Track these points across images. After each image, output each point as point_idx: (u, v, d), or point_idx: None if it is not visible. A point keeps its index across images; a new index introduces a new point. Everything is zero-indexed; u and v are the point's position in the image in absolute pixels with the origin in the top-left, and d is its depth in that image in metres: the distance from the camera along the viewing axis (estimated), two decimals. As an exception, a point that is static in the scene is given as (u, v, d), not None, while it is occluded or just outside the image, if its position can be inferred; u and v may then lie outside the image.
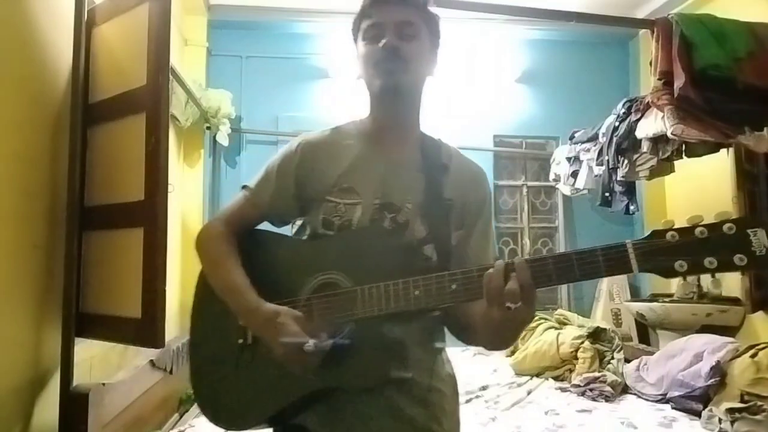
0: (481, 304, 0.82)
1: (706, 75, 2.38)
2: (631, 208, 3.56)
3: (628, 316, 3.97)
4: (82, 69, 1.87)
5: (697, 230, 0.74)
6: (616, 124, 3.20)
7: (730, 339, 2.80)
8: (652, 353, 3.12)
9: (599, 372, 2.98)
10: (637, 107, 3.01)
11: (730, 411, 2.26)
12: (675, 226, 0.76)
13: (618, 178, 3.33)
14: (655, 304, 3.55)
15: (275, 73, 4.20)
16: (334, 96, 4.18)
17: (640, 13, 4.10)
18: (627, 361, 3.14)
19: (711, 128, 2.46)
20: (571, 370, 3.13)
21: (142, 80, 1.78)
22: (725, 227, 0.73)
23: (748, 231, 0.72)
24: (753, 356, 2.44)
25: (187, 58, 3.87)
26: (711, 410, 2.36)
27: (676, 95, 2.41)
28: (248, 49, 4.20)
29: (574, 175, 3.89)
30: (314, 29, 4.25)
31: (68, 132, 1.84)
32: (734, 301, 3.31)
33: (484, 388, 2.99)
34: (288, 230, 1.14)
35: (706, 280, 2.64)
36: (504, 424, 2.48)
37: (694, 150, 2.81)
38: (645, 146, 2.91)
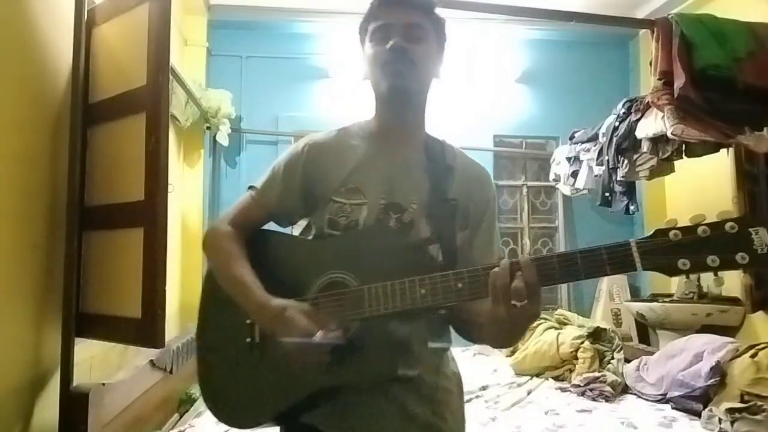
0: (487, 302, 0.83)
1: (706, 75, 2.38)
2: (631, 208, 3.56)
3: (628, 316, 3.97)
4: (82, 69, 1.87)
5: (700, 229, 0.75)
6: (616, 124, 3.20)
7: (730, 339, 2.80)
8: (652, 353, 3.12)
9: (599, 372, 2.98)
10: (637, 107, 3.01)
11: (730, 411, 2.26)
12: (678, 225, 0.76)
13: (618, 178, 3.33)
14: (655, 304, 3.55)
15: (275, 73, 4.20)
16: (334, 96, 4.18)
17: (640, 13, 4.10)
18: (627, 361, 3.14)
19: (711, 128, 2.46)
20: (571, 370, 3.13)
21: (142, 80, 1.78)
22: (727, 226, 0.74)
23: (750, 230, 0.73)
24: (753, 356, 2.44)
25: (187, 58, 3.87)
26: (711, 410, 2.37)
27: (676, 95, 2.41)
28: (248, 49, 4.20)
29: (574, 175, 3.89)
30: (314, 29, 4.25)
31: (68, 132, 1.84)
32: (734, 301, 3.31)
33: (484, 388, 2.99)
34: (288, 230, 1.14)
35: (706, 279, 2.64)
36: (504, 424, 2.48)
37: (694, 150, 2.81)
38: (645, 146, 2.91)
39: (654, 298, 3.81)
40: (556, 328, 3.42)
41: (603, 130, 3.39)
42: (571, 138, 3.93)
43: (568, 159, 3.96)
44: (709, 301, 3.38)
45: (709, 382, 2.48)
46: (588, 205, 4.26)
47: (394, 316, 0.89)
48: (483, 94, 4.33)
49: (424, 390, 0.99)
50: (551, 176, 4.27)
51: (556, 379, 3.18)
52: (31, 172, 1.71)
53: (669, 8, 3.63)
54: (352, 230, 0.99)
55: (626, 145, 3.11)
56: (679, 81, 2.37)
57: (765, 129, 2.52)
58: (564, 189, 4.15)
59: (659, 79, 2.52)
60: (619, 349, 3.21)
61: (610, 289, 4.08)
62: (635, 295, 4.19)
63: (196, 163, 3.85)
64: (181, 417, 2.63)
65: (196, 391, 2.83)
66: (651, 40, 2.62)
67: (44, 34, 1.77)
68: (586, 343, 3.17)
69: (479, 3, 2.90)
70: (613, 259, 0.77)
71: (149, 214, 1.72)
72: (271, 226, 1.11)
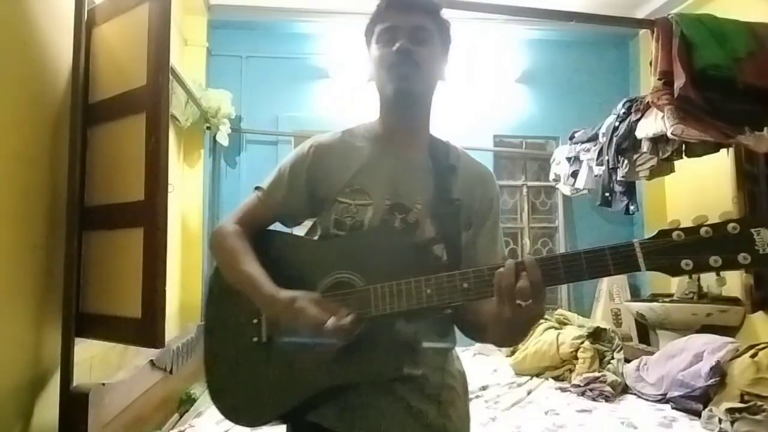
0: (491, 302, 0.84)
1: (706, 75, 2.38)
2: (631, 208, 3.56)
3: (628, 316, 3.97)
4: (82, 69, 1.87)
5: (703, 230, 0.76)
6: (616, 124, 3.20)
7: (730, 339, 2.80)
8: (652, 353, 3.12)
9: (599, 372, 2.98)
10: (637, 107, 3.01)
11: (730, 411, 2.26)
12: (681, 226, 0.77)
13: (618, 178, 3.33)
14: (655, 304, 3.55)
15: (275, 73, 4.20)
16: (334, 96, 4.18)
17: (640, 13, 4.10)
18: (627, 361, 3.14)
19: (711, 128, 2.46)
20: (571, 370, 3.13)
21: (142, 80, 1.78)
22: (729, 227, 0.75)
23: (752, 230, 0.74)
24: (753, 356, 2.44)
25: (187, 58, 3.87)
26: (711, 410, 2.37)
27: (676, 95, 2.41)
28: (248, 49, 4.20)
29: (574, 175, 3.89)
30: (314, 29, 4.25)
31: (68, 132, 1.84)
32: (734, 301, 3.31)
33: (484, 388, 2.99)
34: (288, 231, 1.15)
35: (705, 279, 2.64)
36: (504, 424, 2.48)
37: (694, 150, 2.81)
38: (645, 146, 2.91)
39: (654, 298, 3.81)
40: (556, 328, 3.42)
41: (603, 130, 3.39)
42: (571, 138, 3.93)
43: (568, 159, 3.96)
44: (709, 301, 3.38)
45: (709, 382, 2.48)
46: (588, 205, 4.26)
47: (399, 316, 0.90)
48: (483, 94, 4.33)
49: (429, 389, 1.00)
50: (551, 176, 4.27)
51: (556, 379, 3.18)
52: (31, 172, 1.71)
53: (669, 8, 3.63)
54: (358, 231, 1.00)
55: (626, 145, 3.11)
56: (679, 81, 2.37)
57: (765, 129, 2.53)
58: (564, 189, 4.15)
59: (659, 79, 2.52)
60: (619, 349, 3.21)
61: (610, 289, 4.08)
62: (635, 295, 4.19)
63: (196, 163, 3.85)
64: (181, 417, 2.63)
65: (196, 391, 2.83)
66: (651, 40, 2.62)
67: (44, 34, 1.77)
68: (586, 343, 3.17)
69: (479, 3, 2.91)
70: (617, 260, 0.78)
71: (149, 214, 1.72)
72: (276, 226, 1.12)
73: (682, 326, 3.33)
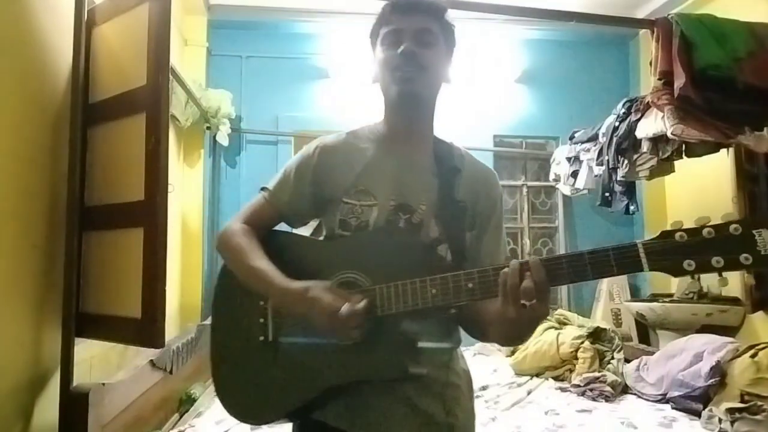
0: (496, 302, 0.85)
1: (706, 75, 2.38)
2: (631, 208, 3.56)
3: (628, 316, 3.97)
4: (82, 69, 1.87)
5: (705, 231, 0.77)
6: (616, 124, 3.20)
7: (730, 339, 2.80)
8: (652, 353, 3.12)
9: (599, 372, 2.98)
10: (637, 107, 3.01)
11: (730, 411, 2.26)
12: (683, 227, 0.79)
13: (618, 178, 3.33)
14: (655, 304, 3.55)
15: (275, 73, 4.20)
16: (334, 96, 4.18)
17: (640, 13, 4.10)
18: (627, 361, 3.14)
19: (711, 128, 2.46)
20: (571, 370, 3.13)
21: (142, 80, 1.78)
22: (731, 228, 0.76)
23: (754, 232, 0.75)
24: (753, 356, 2.44)
25: (187, 58, 3.87)
26: (711, 410, 2.37)
27: (676, 95, 2.41)
28: (248, 49, 4.20)
29: (574, 175, 3.89)
30: (314, 29, 4.25)
31: (68, 132, 1.83)
32: (734, 301, 3.31)
33: (484, 388, 2.99)
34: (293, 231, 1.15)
35: (705, 279, 2.64)
36: (504, 424, 2.48)
37: (694, 150, 2.81)
38: (645, 146, 2.91)
39: (654, 298, 3.81)
40: (556, 328, 3.42)
41: (603, 130, 3.39)
42: (571, 138, 3.93)
43: (568, 159, 3.96)
44: (709, 301, 3.39)
45: (709, 382, 2.48)
46: (588, 205, 4.25)
47: (404, 316, 0.91)
48: (483, 94, 4.33)
49: (435, 387, 1.01)
50: (551, 176, 4.27)
51: (556, 379, 3.18)
52: (32, 172, 1.71)
53: (669, 8, 3.63)
54: (363, 231, 1.01)
55: (626, 145, 3.11)
56: (679, 81, 2.37)
57: (765, 129, 2.52)
58: (564, 189, 4.15)
59: (659, 79, 2.52)
60: (619, 349, 3.21)
61: (610, 289, 4.08)
62: (635, 295, 4.19)
63: (196, 163, 3.85)
64: (181, 417, 2.63)
65: (196, 391, 2.83)
66: (651, 40, 2.62)
67: (44, 34, 1.77)
68: (586, 343, 3.17)
69: (479, 3, 2.91)
70: (621, 260, 0.80)
71: (149, 214, 1.72)
72: (281, 226, 1.14)
73: (682, 326, 3.34)
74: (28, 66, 1.71)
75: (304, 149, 1.12)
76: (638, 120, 2.92)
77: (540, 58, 4.49)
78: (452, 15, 1.10)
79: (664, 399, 2.69)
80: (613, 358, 3.13)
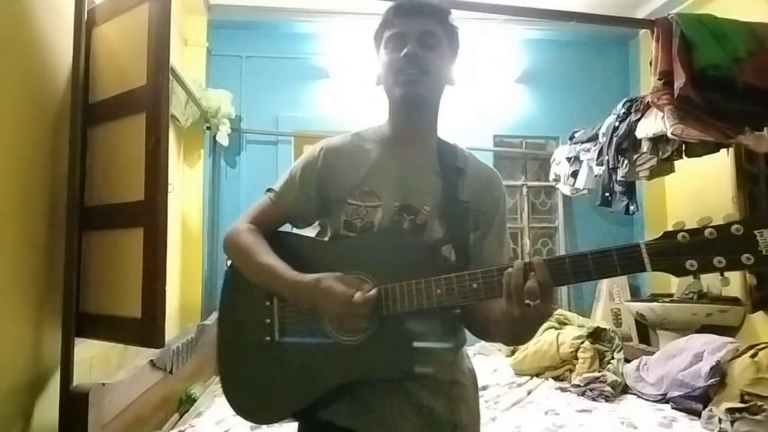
0: (500, 301, 0.86)
1: (706, 75, 2.38)
2: (631, 208, 3.56)
3: (628, 316, 3.97)
4: (82, 69, 1.86)
5: (707, 231, 0.78)
6: (616, 124, 3.20)
7: (730, 339, 2.80)
8: (652, 353, 3.12)
9: (599, 372, 2.98)
10: (637, 107, 3.01)
11: (730, 411, 2.26)
12: (685, 228, 0.80)
13: (618, 178, 3.33)
14: (655, 304, 3.55)
15: (275, 73, 4.20)
16: (334, 96, 4.18)
17: (640, 13, 4.10)
18: (627, 361, 3.14)
19: (711, 128, 2.46)
20: (571, 370, 3.13)
21: (142, 80, 1.78)
22: (733, 228, 0.77)
23: (755, 232, 0.76)
24: (753, 356, 2.44)
25: (187, 58, 3.87)
26: (711, 410, 2.36)
27: (676, 95, 2.41)
28: (248, 49, 4.20)
29: (574, 175, 3.89)
30: (314, 29, 4.25)
31: (68, 132, 1.83)
32: (734, 301, 3.31)
33: (484, 388, 2.99)
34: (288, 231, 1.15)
35: (706, 279, 2.65)
36: (504, 424, 2.48)
37: (694, 150, 2.81)
38: (645, 146, 2.91)
39: (654, 298, 3.81)
40: (556, 328, 3.42)
41: (603, 130, 3.39)
42: (571, 138, 3.93)
43: (568, 159, 3.96)
44: (709, 301, 3.38)
45: (709, 382, 2.48)
46: (588, 205, 4.25)
47: (410, 315, 0.92)
48: (483, 94, 4.33)
49: (440, 386, 1.02)
50: (551, 176, 4.27)
51: (556, 379, 3.17)
52: (31, 171, 1.71)
53: (669, 8, 3.63)
54: (368, 232, 1.03)
55: (626, 145, 3.11)
56: (679, 81, 2.37)
57: (765, 129, 2.52)
58: (564, 189, 4.15)
59: (659, 79, 2.52)
60: (619, 349, 3.21)
61: (610, 289, 4.08)
62: (635, 295, 4.19)
63: (196, 163, 3.85)
64: (181, 417, 2.63)
65: (196, 391, 2.83)
66: (651, 40, 2.62)
67: (44, 34, 1.77)
68: (586, 343, 3.17)
69: (479, 3, 2.91)
70: (624, 260, 0.81)
71: (149, 214, 1.72)
72: (286, 227, 1.15)
73: (682, 326, 3.33)
74: (28, 66, 1.71)
75: (308, 151, 1.14)
76: (638, 120, 2.92)
77: (540, 58, 4.49)
78: (453, 15, 1.11)
79: (664, 399, 2.69)
80: (613, 358, 3.13)
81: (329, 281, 0.93)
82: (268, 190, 1.14)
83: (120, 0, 1.88)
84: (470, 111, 4.23)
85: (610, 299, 4.06)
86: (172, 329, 3.20)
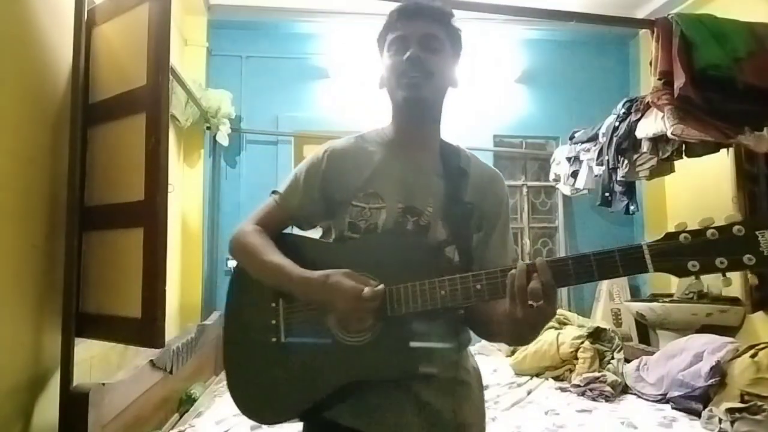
0: (503, 302, 0.87)
1: (706, 75, 2.38)
2: (631, 208, 3.56)
3: (628, 316, 3.97)
4: (82, 69, 1.86)
5: (709, 232, 0.79)
6: (616, 124, 3.20)
7: (730, 339, 2.80)
8: (652, 353, 3.12)
9: (599, 372, 2.98)
10: (637, 107, 3.01)
11: (730, 411, 2.26)
12: (687, 228, 0.80)
13: (618, 178, 3.33)
14: (655, 304, 3.55)
15: (275, 73, 4.20)
16: (334, 96, 4.18)
17: (640, 13, 4.10)
18: (627, 361, 3.14)
19: (711, 128, 2.46)
20: (571, 370, 3.12)
21: (142, 80, 1.78)
22: (735, 229, 0.77)
23: (757, 232, 0.76)
24: (753, 356, 2.44)
25: (187, 58, 3.87)
26: (711, 410, 2.36)
27: (676, 95, 2.41)
28: (248, 49, 4.20)
29: (574, 175, 3.89)
30: (314, 29, 4.25)
31: (68, 132, 1.83)
32: (734, 301, 3.31)
33: (484, 387, 2.99)
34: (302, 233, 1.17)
35: (706, 279, 2.65)
36: (504, 424, 2.48)
37: (694, 150, 2.81)
38: (645, 146, 2.91)
39: (654, 298, 3.81)
40: (556, 328, 3.42)
41: (603, 130, 3.39)
42: (571, 138, 3.93)
43: (568, 159, 3.96)
44: (709, 301, 3.38)
45: (709, 382, 2.48)
46: (588, 205, 4.26)
47: (414, 316, 0.93)
48: (483, 94, 4.32)
49: (445, 385, 1.03)
50: (551, 176, 4.27)
51: (556, 379, 3.17)
52: (31, 171, 1.71)
53: (669, 8, 3.63)
54: (372, 233, 1.04)
55: (626, 145, 3.11)
56: (679, 81, 2.37)
57: (765, 129, 2.52)
58: (564, 189, 4.15)
59: (659, 79, 2.52)
60: (619, 349, 3.21)
61: (610, 289, 4.08)
62: (635, 295, 4.19)
63: (196, 163, 3.85)
64: (181, 417, 2.63)
65: (196, 391, 2.83)
66: (651, 40, 2.62)
67: (44, 34, 1.77)
68: (586, 343, 3.16)
69: (479, 3, 2.91)
70: (626, 261, 0.81)
71: (149, 214, 1.72)
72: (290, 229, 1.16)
73: (682, 326, 3.33)
74: (28, 66, 1.71)
75: (313, 153, 1.15)
76: (638, 120, 2.92)
77: (540, 58, 4.49)
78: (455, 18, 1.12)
79: (664, 399, 2.69)
80: (613, 358, 3.13)
81: (338, 277, 0.94)
82: (273, 192, 1.15)
83: (120, 0, 1.88)
84: (470, 111, 4.23)
85: (610, 299, 4.06)
86: (172, 329, 3.20)
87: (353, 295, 0.91)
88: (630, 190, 3.54)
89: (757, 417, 2.19)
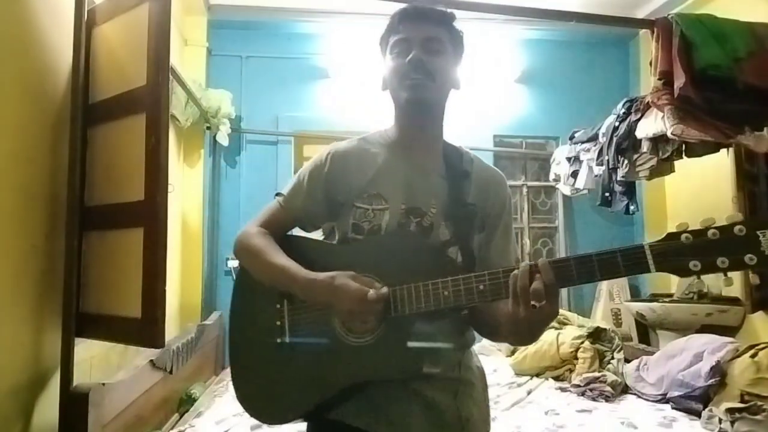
0: (506, 302, 0.88)
1: (706, 75, 2.38)
2: (631, 208, 3.56)
3: (628, 316, 3.97)
4: (82, 69, 1.86)
5: (710, 232, 0.79)
6: (616, 124, 3.20)
7: (730, 339, 2.80)
8: (652, 353, 3.12)
9: (599, 372, 2.98)
10: (637, 107, 3.01)
11: (730, 411, 2.26)
12: (689, 229, 0.80)
13: (618, 178, 3.33)
14: (655, 304, 3.55)
15: (275, 73, 4.20)
16: (334, 96, 4.18)
17: (640, 13, 4.10)
18: (627, 361, 3.14)
19: (711, 128, 2.46)
20: (571, 370, 3.13)
21: (142, 80, 1.78)
22: (736, 229, 0.78)
23: (758, 232, 0.77)
24: (753, 356, 2.44)
25: (187, 58, 3.87)
26: (711, 410, 2.37)
27: (676, 95, 2.40)
28: (248, 49, 4.19)
29: (574, 175, 3.89)
30: (314, 29, 4.25)
31: (68, 132, 1.83)
32: (734, 301, 3.31)
33: (484, 387, 2.99)
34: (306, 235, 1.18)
35: (706, 279, 2.65)
36: (504, 424, 2.48)
37: (694, 150, 2.81)
38: (645, 146, 2.91)
39: (654, 298, 3.81)
40: (556, 328, 3.42)
41: (603, 130, 3.39)
42: (571, 138, 3.93)
43: (568, 159, 3.96)
44: (709, 301, 3.38)
45: (709, 382, 2.48)
46: (588, 205, 4.26)
47: (418, 316, 0.94)
48: (483, 94, 4.32)
49: (449, 384, 1.04)
50: (551, 176, 4.27)
51: (556, 379, 3.17)
52: (32, 171, 1.71)
53: (669, 8, 3.63)
54: (376, 234, 1.04)
55: (626, 145, 3.11)
56: (679, 81, 2.37)
57: (765, 129, 2.52)
58: (564, 189, 4.15)
59: (659, 79, 2.52)
60: (619, 349, 3.21)
61: (610, 289, 4.08)
62: (635, 295, 4.19)
63: (196, 163, 3.84)
64: (181, 417, 2.63)
65: (196, 391, 2.83)
66: (651, 40, 2.62)
67: (44, 34, 1.77)
68: (586, 343, 3.17)
69: (479, 3, 2.91)
70: (628, 261, 0.82)
71: (149, 214, 1.72)
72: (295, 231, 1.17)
73: (682, 326, 3.33)
74: (28, 66, 1.71)
75: (316, 155, 1.16)
76: (638, 120, 2.92)
77: (540, 58, 4.49)
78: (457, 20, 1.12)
79: (664, 399, 2.69)
80: (613, 358, 3.13)
81: (343, 278, 0.94)
82: (277, 194, 1.16)
83: (120, 0, 1.88)
84: (470, 111, 4.23)
85: (610, 299, 4.06)
86: (172, 329, 3.20)
87: (358, 297, 0.91)
88: (630, 190, 3.54)
89: (757, 417, 2.19)
